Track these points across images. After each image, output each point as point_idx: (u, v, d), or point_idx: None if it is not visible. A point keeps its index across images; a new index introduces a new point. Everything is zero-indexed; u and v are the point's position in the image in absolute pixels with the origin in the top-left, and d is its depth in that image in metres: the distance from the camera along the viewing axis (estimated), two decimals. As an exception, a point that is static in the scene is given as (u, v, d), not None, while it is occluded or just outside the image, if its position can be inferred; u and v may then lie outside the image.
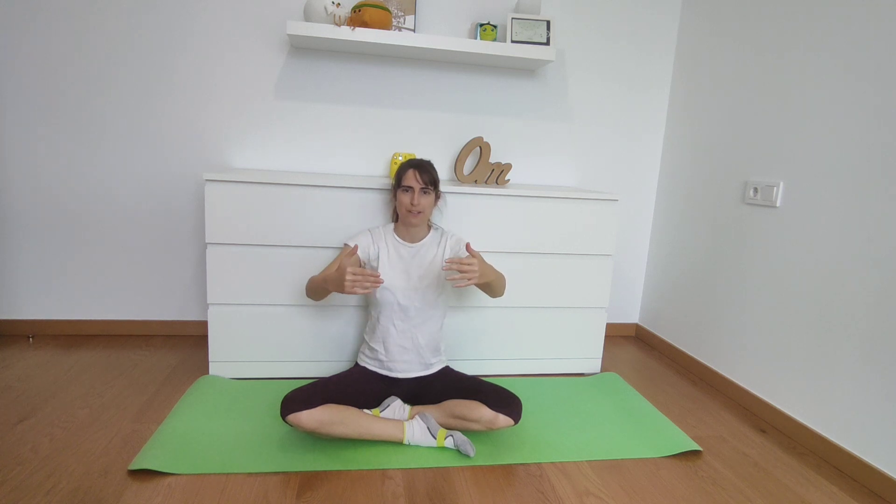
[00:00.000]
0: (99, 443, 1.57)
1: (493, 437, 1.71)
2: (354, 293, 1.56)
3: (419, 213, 1.75)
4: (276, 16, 2.29)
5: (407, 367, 1.80)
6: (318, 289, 1.76)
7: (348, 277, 1.54)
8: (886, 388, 1.57)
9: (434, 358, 1.84)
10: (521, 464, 1.59)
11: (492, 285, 1.75)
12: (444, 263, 1.62)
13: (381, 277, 1.57)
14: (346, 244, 1.84)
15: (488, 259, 2.10)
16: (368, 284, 1.56)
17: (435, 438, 1.62)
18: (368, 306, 1.87)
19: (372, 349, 1.82)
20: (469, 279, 1.57)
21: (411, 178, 1.74)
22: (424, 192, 1.75)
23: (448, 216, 2.06)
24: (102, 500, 1.32)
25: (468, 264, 1.56)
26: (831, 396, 1.74)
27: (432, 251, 1.84)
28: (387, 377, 1.81)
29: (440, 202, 1.99)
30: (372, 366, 1.82)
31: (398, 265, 1.81)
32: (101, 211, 2.33)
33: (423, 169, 1.75)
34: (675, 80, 2.61)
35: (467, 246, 1.64)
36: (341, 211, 1.99)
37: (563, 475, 1.55)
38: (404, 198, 1.76)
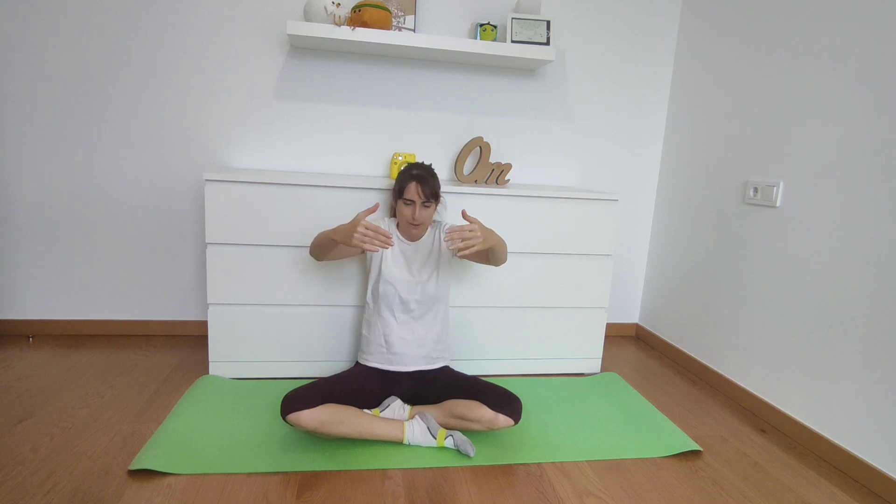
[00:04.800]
0: (99, 443, 1.57)
1: (493, 437, 1.71)
2: (361, 248, 1.55)
3: (420, 224, 1.76)
4: (276, 16, 2.29)
5: (409, 360, 1.79)
6: (325, 242, 1.71)
7: (360, 229, 1.53)
8: (886, 388, 1.57)
9: (437, 351, 1.84)
10: (521, 464, 1.59)
11: (495, 250, 1.72)
12: (445, 236, 1.58)
13: (391, 240, 1.55)
14: (358, 214, 1.79)
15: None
16: (378, 243, 1.54)
17: (435, 438, 1.62)
18: (368, 298, 1.85)
19: (372, 343, 1.81)
20: (473, 244, 1.55)
21: (413, 192, 1.72)
22: (426, 206, 1.74)
23: (448, 216, 2.06)
24: (102, 500, 1.32)
25: (470, 230, 1.55)
26: (831, 396, 1.74)
27: (429, 243, 1.85)
28: (388, 372, 1.80)
29: (440, 206, 1.98)
30: (373, 361, 1.81)
31: (400, 260, 1.82)
32: (101, 211, 2.33)
33: (426, 182, 1.71)
34: (675, 80, 2.61)
35: (463, 213, 1.62)
36: (341, 211, 1.99)
37: (563, 475, 1.55)
38: (406, 210, 1.75)
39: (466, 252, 1.55)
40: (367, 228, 1.53)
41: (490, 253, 1.73)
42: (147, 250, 2.39)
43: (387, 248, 1.58)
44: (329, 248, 1.74)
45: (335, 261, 1.98)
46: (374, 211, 1.65)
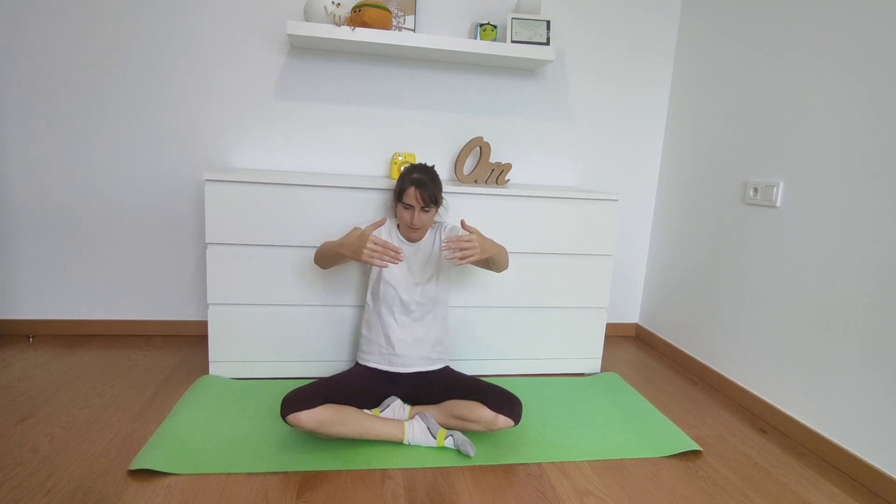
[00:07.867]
0: (99, 443, 1.57)
1: (493, 437, 1.71)
2: (370, 263, 1.55)
3: (419, 229, 1.76)
4: (276, 16, 2.29)
5: (409, 361, 1.79)
6: (331, 254, 1.72)
7: (368, 245, 1.52)
8: (886, 388, 1.57)
9: (436, 353, 1.84)
10: (521, 464, 1.59)
11: (494, 259, 1.73)
12: (443, 245, 1.59)
13: (400, 255, 1.55)
14: (356, 227, 1.80)
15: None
16: (387, 259, 1.54)
17: (435, 438, 1.62)
18: (368, 299, 1.86)
19: (373, 344, 1.81)
20: (471, 255, 1.56)
21: (412, 197, 1.71)
22: (425, 211, 1.73)
23: (450, 217, 2.06)
24: (102, 500, 1.32)
25: (467, 241, 1.55)
26: (831, 396, 1.74)
27: (429, 244, 1.85)
28: (388, 373, 1.80)
29: (441, 208, 1.97)
30: (373, 362, 1.81)
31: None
32: (101, 211, 2.33)
33: (425, 187, 1.70)
34: (675, 79, 2.61)
35: (462, 223, 1.63)
36: (341, 211, 1.99)
37: (563, 475, 1.55)
38: (405, 214, 1.75)
39: (463, 262, 1.56)
40: (375, 244, 1.53)
41: (490, 261, 1.74)
42: (147, 250, 2.39)
43: (397, 262, 1.57)
44: (336, 260, 1.75)
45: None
46: (381, 225, 1.66)
